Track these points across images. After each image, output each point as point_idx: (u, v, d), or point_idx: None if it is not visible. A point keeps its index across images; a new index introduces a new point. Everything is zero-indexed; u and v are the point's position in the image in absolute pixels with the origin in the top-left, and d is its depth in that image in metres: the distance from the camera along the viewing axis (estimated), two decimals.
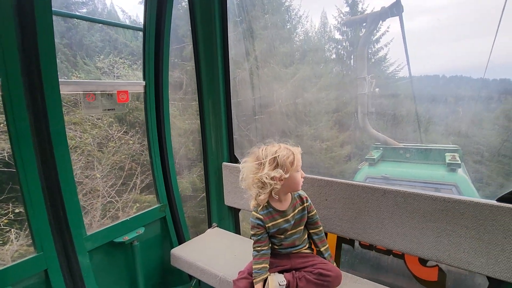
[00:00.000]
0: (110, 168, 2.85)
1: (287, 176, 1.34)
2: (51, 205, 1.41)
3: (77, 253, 1.47)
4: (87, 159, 2.87)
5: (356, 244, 1.75)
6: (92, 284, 1.51)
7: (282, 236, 1.44)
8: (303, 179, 1.41)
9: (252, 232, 1.45)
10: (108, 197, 2.89)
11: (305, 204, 1.47)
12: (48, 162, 1.38)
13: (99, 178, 2.89)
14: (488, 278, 1.33)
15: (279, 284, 1.33)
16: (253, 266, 1.41)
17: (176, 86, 2.33)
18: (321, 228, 1.52)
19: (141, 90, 1.82)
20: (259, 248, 1.42)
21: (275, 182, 1.32)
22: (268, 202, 1.43)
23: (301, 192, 1.49)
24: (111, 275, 1.70)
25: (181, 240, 2.03)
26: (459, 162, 3.94)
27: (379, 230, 1.52)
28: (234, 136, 2.32)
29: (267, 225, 1.41)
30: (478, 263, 1.28)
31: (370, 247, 1.69)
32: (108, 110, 1.63)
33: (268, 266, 1.41)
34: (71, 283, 1.45)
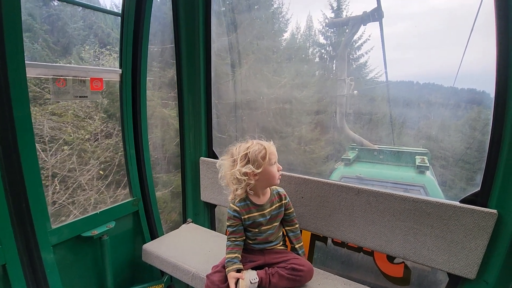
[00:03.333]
0: (99, 163, 2.73)
1: (259, 171, 1.38)
2: (12, 195, 1.31)
3: (39, 248, 1.38)
4: (79, 154, 2.72)
5: (329, 241, 1.79)
6: (55, 280, 1.43)
7: (256, 230, 1.45)
8: (280, 173, 1.43)
9: (228, 223, 1.47)
10: (98, 194, 2.74)
11: (283, 201, 1.49)
12: (10, 150, 1.28)
13: (89, 174, 2.76)
14: (449, 274, 1.41)
15: (251, 282, 1.33)
16: (226, 256, 1.42)
17: (171, 85, 2.25)
18: (297, 225, 1.55)
19: (117, 78, 1.74)
20: (233, 239, 1.45)
21: (248, 177, 1.37)
22: (246, 195, 1.45)
23: (280, 190, 1.51)
24: (77, 271, 1.61)
25: (154, 236, 1.98)
26: (428, 165, 4.17)
27: (351, 228, 1.57)
28: (213, 131, 2.29)
29: (243, 217, 1.43)
30: (441, 260, 1.36)
31: (342, 244, 1.74)
32: (80, 97, 1.55)
33: (240, 257, 1.43)
34: (32, 279, 1.36)
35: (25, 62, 1.28)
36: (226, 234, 1.54)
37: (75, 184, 2.74)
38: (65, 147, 2.73)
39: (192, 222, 2.19)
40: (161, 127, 2.37)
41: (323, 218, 1.65)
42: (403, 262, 1.56)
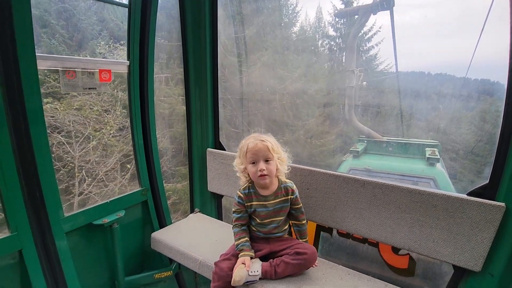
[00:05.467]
0: (121, 156, 2.82)
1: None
2: (26, 185, 1.36)
3: (53, 235, 1.44)
4: (103, 148, 2.82)
5: (334, 232, 1.81)
6: (69, 266, 1.49)
7: (258, 221, 1.47)
8: (260, 172, 1.38)
9: (233, 209, 1.51)
10: (120, 185, 2.83)
11: (289, 197, 1.49)
12: (22, 141, 1.32)
13: (111, 166, 2.86)
14: (454, 266, 1.41)
15: (249, 274, 1.35)
16: (236, 242, 1.45)
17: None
18: (304, 221, 1.55)
19: (124, 70, 1.76)
20: (240, 224, 1.49)
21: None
22: (253, 184, 1.48)
23: (290, 184, 1.51)
24: (89, 258, 1.68)
25: (162, 225, 2.03)
26: (438, 157, 4.11)
27: (356, 220, 1.57)
28: (220, 122, 2.30)
29: (246, 204, 1.47)
30: (446, 252, 1.36)
31: (347, 235, 1.75)
32: (89, 89, 1.57)
33: (249, 241, 1.46)
34: (47, 265, 1.42)
35: (36, 54, 1.31)
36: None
37: (99, 175, 2.86)
38: (90, 141, 2.85)
39: (199, 212, 2.24)
40: (182, 123, 2.37)
41: (329, 210, 1.66)
42: (408, 253, 1.57)
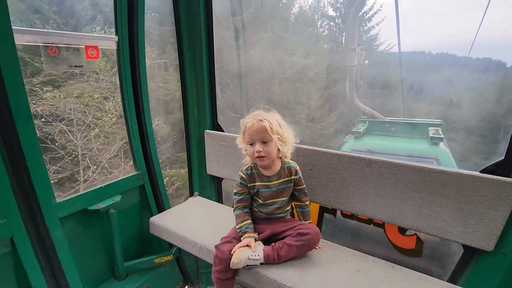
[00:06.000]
0: (124, 143, 2.79)
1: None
2: (14, 171, 1.28)
3: (46, 221, 1.37)
4: (105, 135, 2.80)
5: (338, 213, 1.75)
6: (65, 252, 1.44)
7: (261, 201, 1.41)
8: (258, 154, 1.32)
9: (235, 191, 1.45)
10: (123, 172, 2.84)
11: (292, 177, 1.43)
12: (5, 124, 1.23)
13: (114, 153, 2.84)
14: (464, 246, 1.36)
15: (249, 258, 1.30)
16: (239, 225, 1.40)
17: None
18: (307, 203, 1.50)
19: (113, 46, 1.64)
20: (242, 206, 1.44)
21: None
22: (255, 164, 1.42)
23: (293, 164, 1.44)
24: (87, 244, 1.63)
25: (160, 209, 1.97)
26: (442, 136, 4.02)
27: (362, 200, 1.51)
28: (218, 106, 2.20)
29: (248, 185, 1.41)
30: (456, 232, 1.30)
31: (352, 216, 1.70)
32: (75, 67, 1.46)
33: (252, 223, 1.42)
34: (42, 252, 1.37)
35: (13, 27, 1.19)
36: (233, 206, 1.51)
37: (103, 163, 2.84)
38: (92, 129, 2.83)
39: (199, 195, 2.18)
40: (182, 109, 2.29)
41: (333, 190, 1.60)
42: (415, 234, 1.52)
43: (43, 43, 1.33)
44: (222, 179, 2.24)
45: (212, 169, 2.13)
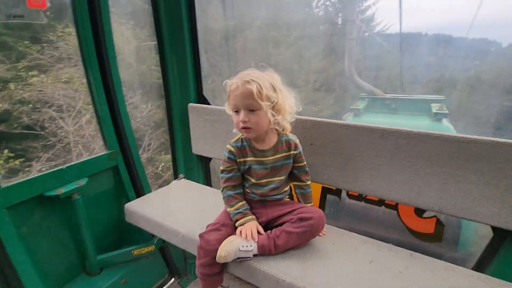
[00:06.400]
0: None
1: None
2: None
3: None
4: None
5: (344, 194, 1.53)
6: (16, 248, 1.19)
7: (254, 181, 1.17)
8: (243, 124, 1.08)
9: (221, 168, 1.20)
10: None
11: (291, 152, 1.18)
12: None
13: None
14: (494, 229, 1.15)
15: (240, 250, 1.07)
16: (233, 207, 1.17)
17: None
18: (308, 183, 1.26)
19: None
20: (231, 186, 1.20)
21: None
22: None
23: (292, 137, 1.19)
24: (47, 237, 1.37)
25: (139, 194, 1.72)
26: (447, 111, 3.82)
27: (373, 178, 1.28)
28: (202, 72, 1.91)
29: (238, 160, 1.17)
30: (488, 213, 1.08)
31: (360, 197, 1.47)
32: (14, 17, 1.15)
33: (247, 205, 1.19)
34: None
35: None
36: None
37: (96, 149, 2.70)
38: (83, 115, 2.63)
39: (184, 178, 1.92)
40: None
41: (338, 168, 1.36)
42: (434, 216, 1.30)
43: None
44: (210, 159, 1.99)
45: (199, 148, 1.87)
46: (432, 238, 1.30)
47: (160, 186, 1.84)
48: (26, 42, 2.05)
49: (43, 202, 1.32)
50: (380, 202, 1.41)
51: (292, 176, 1.26)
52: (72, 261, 1.49)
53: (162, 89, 1.90)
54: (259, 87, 1.02)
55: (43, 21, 1.23)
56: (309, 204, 1.26)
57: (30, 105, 2.45)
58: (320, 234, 1.23)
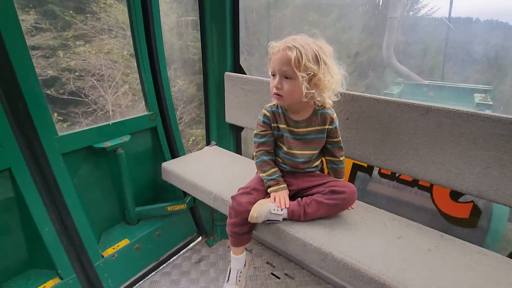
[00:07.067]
0: None
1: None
2: (6, 96, 1.12)
3: (47, 155, 1.24)
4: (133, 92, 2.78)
5: (375, 172, 1.51)
6: (69, 189, 1.33)
7: (286, 148, 1.18)
8: (275, 90, 1.06)
9: (255, 132, 1.21)
10: None
11: (326, 126, 1.16)
12: None
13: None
14: None
15: (271, 212, 1.10)
16: (266, 173, 1.19)
17: None
18: (341, 158, 1.24)
19: None
20: (265, 151, 1.21)
21: None
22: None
23: (330, 111, 1.16)
24: (94, 185, 1.52)
25: (174, 155, 1.81)
26: (491, 103, 3.52)
27: (409, 157, 1.25)
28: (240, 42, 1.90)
29: (272, 125, 1.17)
30: None
31: (392, 176, 1.45)
32: None
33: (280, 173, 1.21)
34: (43, 185, 1.26)
35: None
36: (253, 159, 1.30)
37: None
38: (121, 86, 2.77)
39: (216, 145, 1.99)
40: None
41: (372, 144, 1.34)
42: (472, 201, 1.26)
43: None
44: (242, 128, 2.03)
45: (232, 117, 1.91)
46: (465, 223, 1.27)
47: None
48: (71, 11, 2.15)
49: (92, 153, 1.44)
50: (414, 183, 1.39)
51: (325, 151, 1.25)
52: (114, 210, 1.65)
53: (196, 64, 1.94)
54: (299, 55, 0.99)
55: None
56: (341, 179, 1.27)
57: (76, 73, 2.61)
58: (349, 207, 1.24)
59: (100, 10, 2.23)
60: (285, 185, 1.19)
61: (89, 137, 1.40)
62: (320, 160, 1.28)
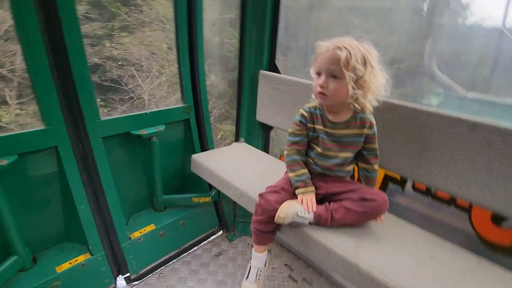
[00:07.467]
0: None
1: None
2: (60, 79, 1.20)
3: (89, 136, 1.32)
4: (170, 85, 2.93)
5: (408, 185, 1.44)
6: (106, 171, 1.41)
7: (319, 150, 1.16)
8: (320, 89, 1.05)
9: (290, 130, 1.20)
10: None
11: (364, 131, 1.13)
12: (57, 44, 1.16)
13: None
14: None
15: (297, 215, 1.09)
16: (295, 173, 1.18)
17: None
18: (375, 167, 1.21)
19: None
20: (297, 150, 1.19)
21: None
22: (322, 105, 1.15)
23: (369, 116, 1.14)
24: (127, 169, 1.60)
25: (204, 148, 1.85)
26: None
27: (449, 174, 1.17)
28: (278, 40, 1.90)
29: (308, 125, 1.16)
30: None
31: (427, 192, 1.38)
32: None
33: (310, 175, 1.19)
34: (84, 166, 1.35)
35: None
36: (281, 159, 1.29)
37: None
38: (158, 77, 2.90)
39: (245, 142, 2.01)
40: None
41: (409, 156, 1.27)
42: None
43: None
44: (271, 128, 2.03)
45: (263, 115, 1.91)
46: (507, 251, 1.17)
47: None
48: (118, 3, 2.26)
49: (128, 139, 1.52)
50: (451, 201, 1.30)
51: (360, 158, 1.21)
52: (143, 195, 1.72)
53: (230, 61, 1.96)
54: (349, 55, 0.98)
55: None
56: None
57: (119, 63, 2.75)
58: (378, 219, 1.20)
59: (143, 3, 2.33)
60: (313, 188, 1.17)
61: (127, 124, 1.47)
62: (353, 166, 1.25)
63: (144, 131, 1.50)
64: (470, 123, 1.11)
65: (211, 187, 1.86)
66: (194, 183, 1.87)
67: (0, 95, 1.86)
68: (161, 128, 1.57)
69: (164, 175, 1.70)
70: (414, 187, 1.42)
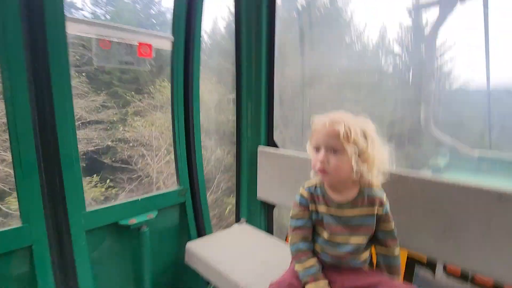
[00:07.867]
0: None
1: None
2: (46, 172, 1.15)
3: (71, 232, 1.19)
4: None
5: (439, 269, 1.22)
6: (85, 269, 1.23)
7: (326, 236, 1.00)
8: (320, 165, 0.95)
9: (292, 213, 1.06)
10: None
11: (375, 209, 0.99)
12: (46, 125, 1.14)
13: None
14: None
15: None
16: (303, 266, 0.99)
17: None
18: (396, 251, 1.02)
19: (168, 46, 1.52)
20: (303, 237, 1.03)
21: None
22: (323, 183, 1.04)
23: (378, 192, 1.01)
24: (112, 265, 1.40)
25: (201, 233, 1.68)
26: None
27: (487, 253, 0.99)
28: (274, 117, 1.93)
29: (310, 208, 1.03)
30: None
31: (464, 277, 1.15)
32: (126, 63, 1.35)
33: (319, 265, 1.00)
34: (59, 262, 1.17)
35: (65, 15, 1.12)
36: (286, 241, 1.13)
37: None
38: (166, 155, 3.03)
39: (246, 222, 1.84)
40: None
41: (432, 234, 1.11)
42: None
43: (96, 35, 1.24)
44: (274, 206, 1.88)
45: (264, 193, 1.80)
46: None
47: (221, 227, 1.80)
48: (132, 92, 2.47)
49: (115, 230, 1.37)
50: None
51: (375, 242, 1.04)
52: None
53: (233, 136, 1.97)
54: (348, 129, 0.92)
55: (146, 68, 1.42)
56: (397, 278, 1.02)
57: (130, 144, 2.84)
58: None
59: (155, 91, 2.50)
60: (326, 282, 0.97)
61: (116, 213, 1.35)
62: (369, 253, 1.06)
63: (134, 220, 1.37)
64: (497, 194, 0.99)
65: (208, 282, 1.61)
66: (189, 275, 1.62)
67: None
68: (153, 215, 1.44)
69: (155, 268, 1.49)
70: (446, 271, 1.19)
